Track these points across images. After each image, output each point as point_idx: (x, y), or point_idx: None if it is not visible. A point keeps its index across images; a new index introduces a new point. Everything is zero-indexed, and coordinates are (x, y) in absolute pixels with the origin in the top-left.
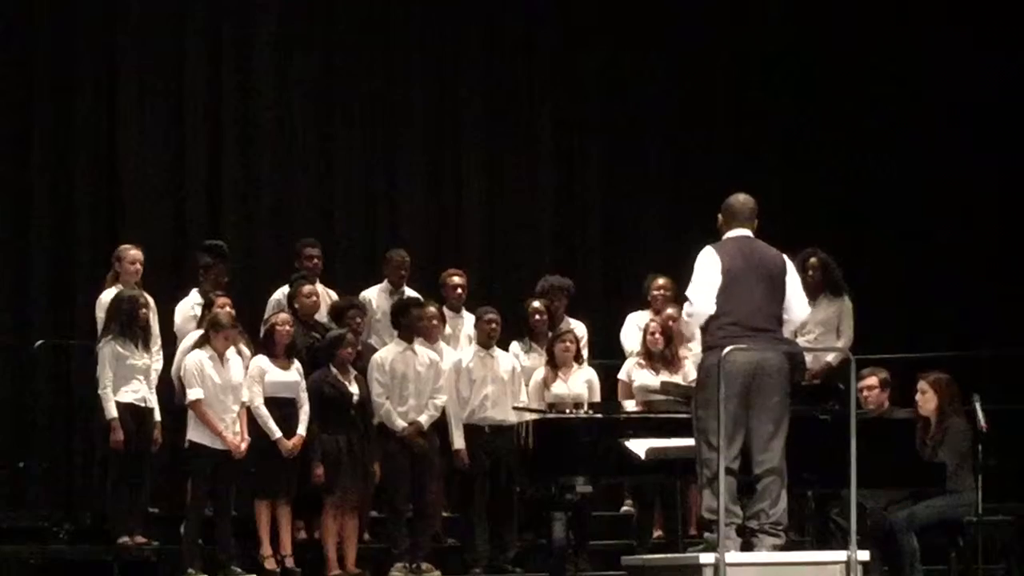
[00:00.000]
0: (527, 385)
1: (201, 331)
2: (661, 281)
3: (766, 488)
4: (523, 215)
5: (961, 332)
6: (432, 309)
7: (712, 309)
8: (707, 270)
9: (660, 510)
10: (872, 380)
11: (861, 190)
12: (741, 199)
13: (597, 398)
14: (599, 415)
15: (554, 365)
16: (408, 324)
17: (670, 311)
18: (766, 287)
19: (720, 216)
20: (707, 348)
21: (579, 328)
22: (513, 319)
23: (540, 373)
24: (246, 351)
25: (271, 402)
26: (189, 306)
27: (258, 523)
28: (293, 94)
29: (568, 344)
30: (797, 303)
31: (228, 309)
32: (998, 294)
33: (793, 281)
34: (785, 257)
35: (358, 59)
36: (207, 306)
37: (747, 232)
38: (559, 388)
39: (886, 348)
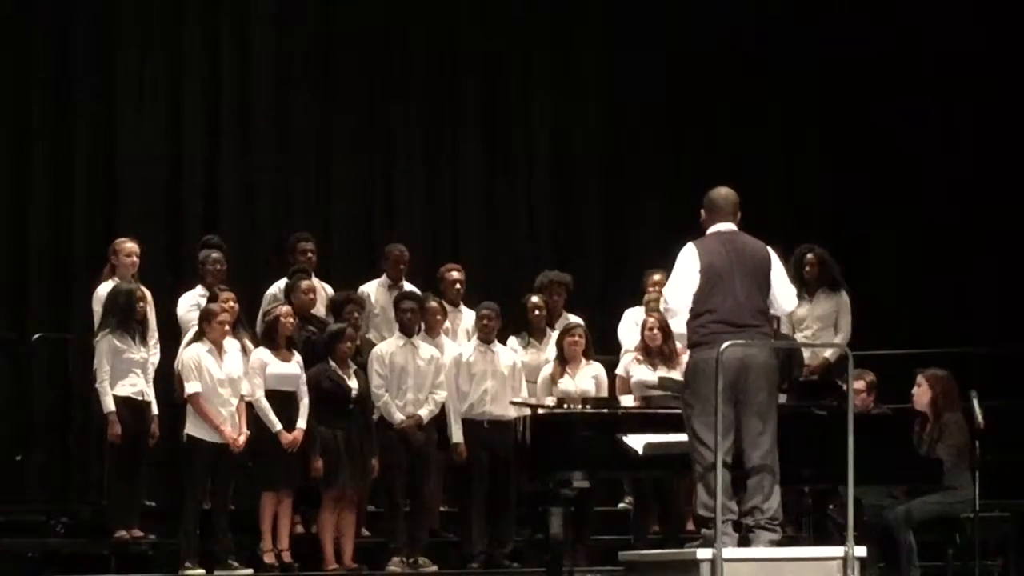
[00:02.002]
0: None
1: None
2: (657, 277)
3: (758, 484)
4: (522, 211)
5: (960, 328)
6: (434, 303)
7: (683, 309)
8: (685, 269)
9: (658, 505)
10: (859, 384)
11: (860, 188)
12: (723, 192)
13: (604, 394)
14: (597, 410)
15: (563, 360)
16: (401, 317)
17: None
18: (750, 282)
19: (702, 210)
20: (692, 345)
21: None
22: (512, 314)
23: (549, 368)
24: (250, 345)
25: (271, 395)
26: (194, 298)
27: (262, 515)
28: (292, 90)
29: (577, 338)
30: (783, 295)
31: (229, 303)
32: (997, 291)
33: (778, 273)
34: (770, 249)
35: (357, 55)
36: (210, 300)
37: (731, 226)
38: (566, 384)
39: (885, 344)
